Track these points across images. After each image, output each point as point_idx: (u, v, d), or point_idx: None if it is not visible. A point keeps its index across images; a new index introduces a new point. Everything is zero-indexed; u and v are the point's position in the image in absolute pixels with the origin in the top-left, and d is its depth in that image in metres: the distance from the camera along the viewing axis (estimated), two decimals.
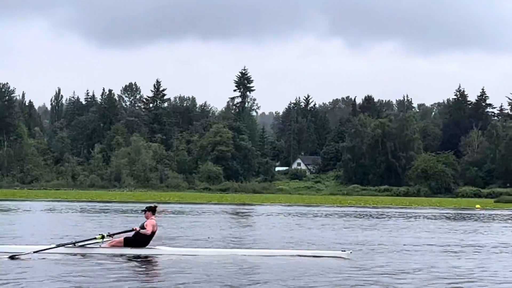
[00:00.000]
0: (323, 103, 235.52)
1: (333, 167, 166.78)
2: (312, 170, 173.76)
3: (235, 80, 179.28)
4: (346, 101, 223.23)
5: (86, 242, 20.45)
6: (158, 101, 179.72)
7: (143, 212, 21.08)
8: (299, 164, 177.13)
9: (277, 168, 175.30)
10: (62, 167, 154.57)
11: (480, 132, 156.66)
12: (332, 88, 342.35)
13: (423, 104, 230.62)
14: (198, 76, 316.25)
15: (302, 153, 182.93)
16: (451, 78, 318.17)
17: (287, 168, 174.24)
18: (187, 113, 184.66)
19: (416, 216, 55.46)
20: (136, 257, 19.73)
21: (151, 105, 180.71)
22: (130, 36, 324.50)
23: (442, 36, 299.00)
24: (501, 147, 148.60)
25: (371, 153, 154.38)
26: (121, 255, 19.86)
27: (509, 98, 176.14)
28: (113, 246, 20.54)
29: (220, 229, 34.94)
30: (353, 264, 19.50)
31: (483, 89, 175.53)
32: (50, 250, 19.91)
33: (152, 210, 20.94)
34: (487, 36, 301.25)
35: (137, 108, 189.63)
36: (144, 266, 18.64)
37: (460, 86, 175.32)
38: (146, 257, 19.91)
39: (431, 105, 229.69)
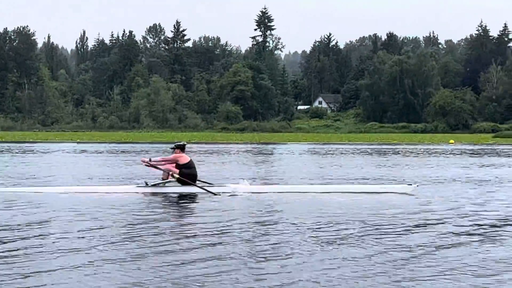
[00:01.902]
0: (349, 41, 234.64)
1: (353, 105, 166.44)
2: (333, 108, 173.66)
3: (255, 19, 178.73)
4: (372, 38, 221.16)
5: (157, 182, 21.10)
6: (179, 42, 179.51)
7: (172, 150, 21.47)
8: (320, 103, 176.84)
9: (299, 107, 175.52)
10: (83, 109, 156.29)
11: (499, 68, 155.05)
12: (360, 26, 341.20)
13: (450, 40, 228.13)
14: (226, 15, 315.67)
15: (324, 92, 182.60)
16: (481, 13, 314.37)
17: (308, 107, 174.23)
18: (208, 54, 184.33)
19: (440, 152, 55.42)
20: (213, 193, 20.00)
21: (171, 45, 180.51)
22: None
23: None
24: None
25: (389, 90, 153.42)
26: (192, 193, 20.17)
27: None
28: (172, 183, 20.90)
29: (268, 166, 35.57)
30: (420, 197, 19.61)
31: (505, 24, 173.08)
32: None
33: (181, 147, 21.28)
34: None
35: (161, 49, 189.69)
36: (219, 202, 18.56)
37: (482, 21, 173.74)
38: (214, 194, 19.98)
39: (458, 41, 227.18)
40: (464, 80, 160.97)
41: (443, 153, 53.12)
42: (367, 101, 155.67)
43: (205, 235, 13.00)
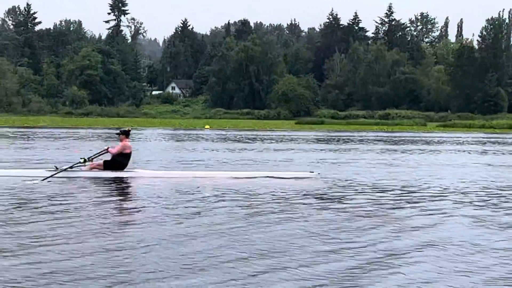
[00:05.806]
0: (215, 27, 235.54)
1: (204, 91, 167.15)
2: (185, 94, 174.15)
3: (109, 4, 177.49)
4: (237, 24, 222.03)
5: (70, 166, 21.17)
6: (30, 24, 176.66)
7: (118, 135, 22.04)
8: (173, 88, 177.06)
9: (153, 92, 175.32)
10: None
11: (343, 56, 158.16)
12: (227, 13, 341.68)
13: (313, 28, 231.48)
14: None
15: (178, 77, 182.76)
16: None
17: (161, 92, 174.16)
18: (61, 37, 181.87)
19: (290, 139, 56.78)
20: (116, 179, 20.46)
21: (22, 28, 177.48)
22: None
23: None
24: (360, 70, 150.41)
25: (235, 77, 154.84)
26: (102, 178, 20.57)
27: (376, 22, 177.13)
28: (93, 168, 21.24)
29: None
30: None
31: (356, 13, 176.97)
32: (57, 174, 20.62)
33: (126, 133, 21.92)
34: None
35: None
36: (124, 188, 19.53)
37: (332, 10, 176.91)
38: (126, 179, 20.72)
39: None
40: (314, 67, 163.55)
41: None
42: (214, 88, 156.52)
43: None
